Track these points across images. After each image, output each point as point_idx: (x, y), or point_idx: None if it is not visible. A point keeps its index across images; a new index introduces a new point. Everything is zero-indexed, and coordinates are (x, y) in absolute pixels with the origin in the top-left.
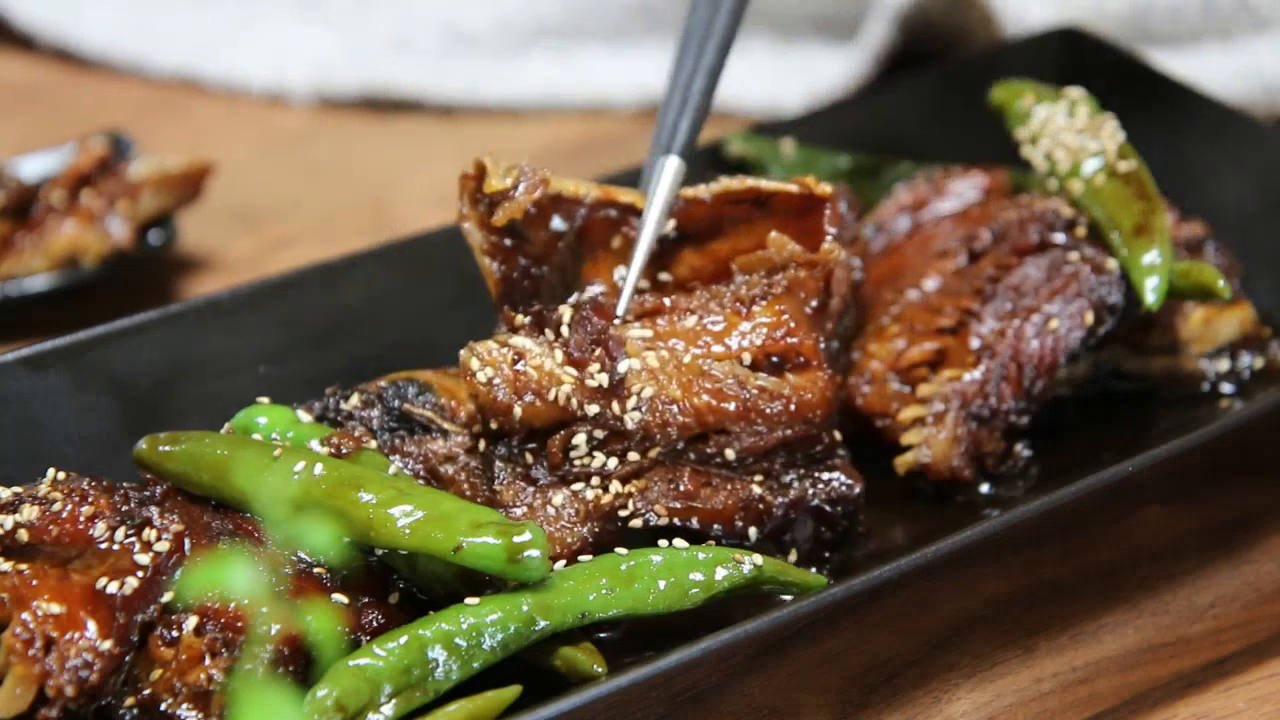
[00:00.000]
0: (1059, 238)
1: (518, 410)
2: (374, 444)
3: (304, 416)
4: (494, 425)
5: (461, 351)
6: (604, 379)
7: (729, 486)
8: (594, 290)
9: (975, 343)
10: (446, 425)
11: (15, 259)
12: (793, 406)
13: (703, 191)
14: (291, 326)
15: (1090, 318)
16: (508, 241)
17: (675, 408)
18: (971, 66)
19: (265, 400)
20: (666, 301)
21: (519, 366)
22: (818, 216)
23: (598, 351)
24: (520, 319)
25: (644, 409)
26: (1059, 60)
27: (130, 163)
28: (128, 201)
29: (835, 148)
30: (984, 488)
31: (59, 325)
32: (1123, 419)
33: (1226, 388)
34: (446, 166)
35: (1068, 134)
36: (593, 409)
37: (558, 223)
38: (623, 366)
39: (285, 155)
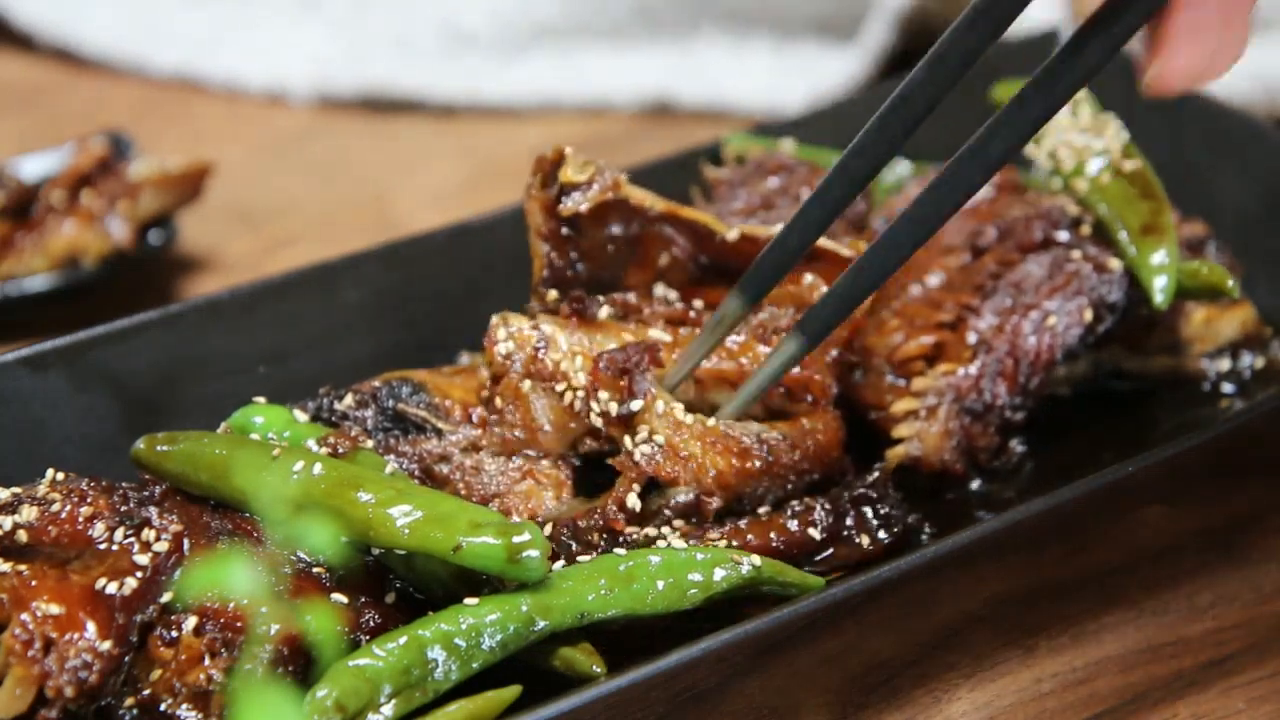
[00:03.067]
0: (1063, 235)
1: (525, 387)
2: (370, 444)
3: (300, 416)
4: (499, 401)
5: (493, 317)
6: (612, 408)
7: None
8: (628, 296)
9: (972, 338)
10: (441, 424)
11: (15, 259)
12: (812, 452)
13: (760, 232)
14: (291, 326)
15: (1089, 315)
16: (565, 230)
17: (692, 465)
18: None
19: (262, 400)
20: (693, 314)
21: (541, 353)
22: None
23: (621, 381)
24: (554, 298)
25: (654, 451)
26: None
27: (130, 163)
28: (128, 201)
29: (835, 148)
30: (977, 483)
31: (59, 325)
32: (1123, 418)
33: (1227, 387)
34: (446, 166)
35: (1072, 133)
36: (597, 421)
37: (615, 226)
38: (636, 405)
39: (285, 155)
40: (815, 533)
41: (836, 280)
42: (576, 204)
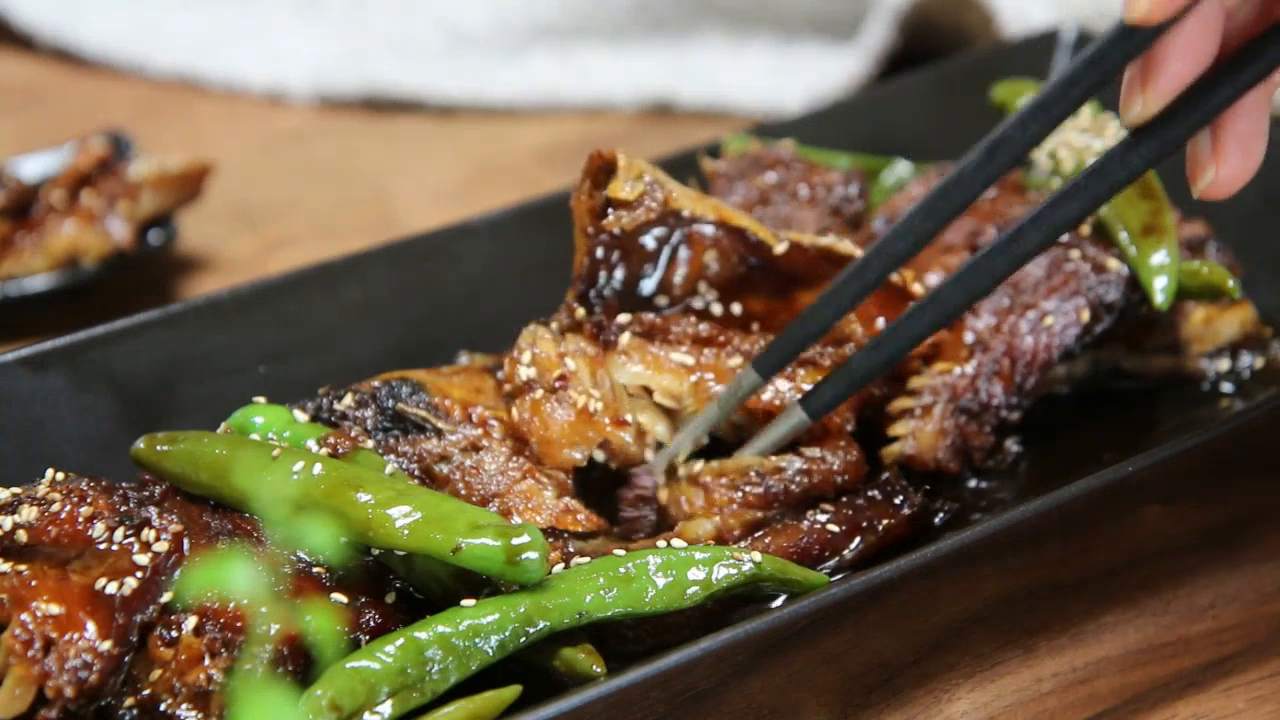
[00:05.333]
0: (1062, 235)
1: (535, 424)
2: (370, 444)
3: (299, 416)
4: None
5: (525, 329)
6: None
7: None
8: (654, 314)
9: (969, 337)
10: (440, 424)
11: (15, 259)
12: (819, 486)
13: (807, 241)
14: (291, 326)
15: (1087, 316)
16: (608, 235)
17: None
18: (971, 66)
19: (262, 400)
20: (722, 338)
21: (560, 391)
22: (902, 306)
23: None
24: (581, 314)
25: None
26: (1059, 60)
27: (130, 163)
28: (128, 201)
29: (835, 148)
30: (974, 483)
31: (59, 325)
32: (1122, 418)
33: (1227, 387)
34: (446, 166)
35: (1072, 133)
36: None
37: (661, 228)
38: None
39: (285, 155)
40: (834, 527)
41: (849, 358)
42: (619, 222)
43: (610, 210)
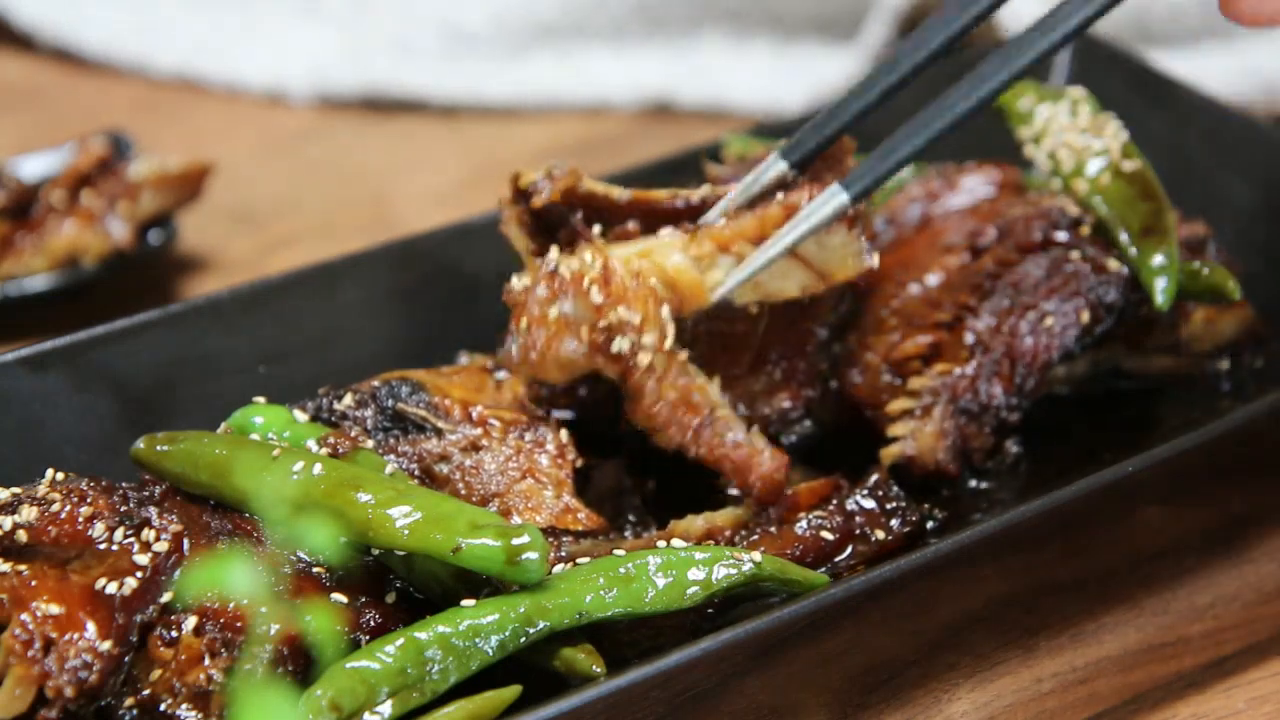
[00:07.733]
0: (1062, 236)
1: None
2: (370, 444)
3: (299, 416)
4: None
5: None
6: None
7: None
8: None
9: (969, 338)
10: (440, 424)
11: (15, 259)
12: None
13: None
14: (291, 326)
15: (1087, 316)
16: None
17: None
18: (972, 66)
19: (262, 400)
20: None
21: (558, 267)
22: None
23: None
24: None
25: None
26: (1059, 60)
27: (130, 163)
28: (128, 201)
29: None
30: (974, 483)
31: (59, 325)
32: (1122, 418)
33: (1227, 387)
34: (446, 166)
35: (1071, 133)
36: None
37: (598, 226)
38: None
39: (285, 155)
40: (828, 534)
41: (890, 137)
42: (542, 196)
43: (533, 199)
